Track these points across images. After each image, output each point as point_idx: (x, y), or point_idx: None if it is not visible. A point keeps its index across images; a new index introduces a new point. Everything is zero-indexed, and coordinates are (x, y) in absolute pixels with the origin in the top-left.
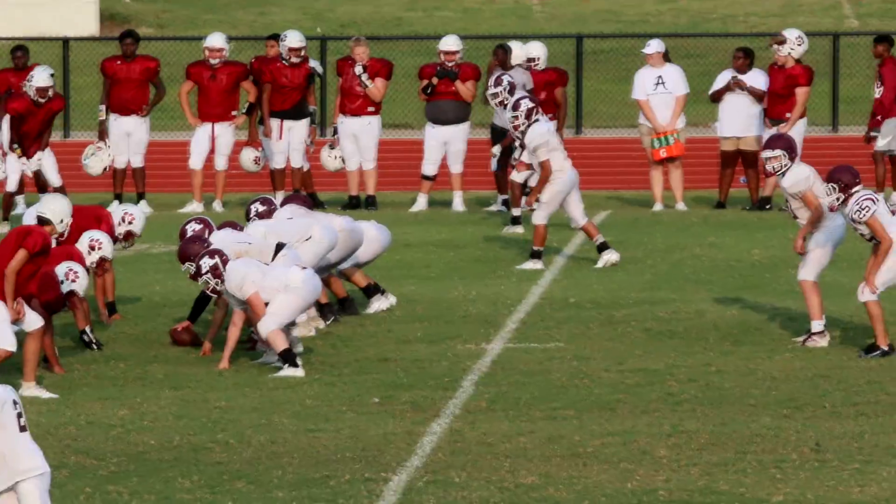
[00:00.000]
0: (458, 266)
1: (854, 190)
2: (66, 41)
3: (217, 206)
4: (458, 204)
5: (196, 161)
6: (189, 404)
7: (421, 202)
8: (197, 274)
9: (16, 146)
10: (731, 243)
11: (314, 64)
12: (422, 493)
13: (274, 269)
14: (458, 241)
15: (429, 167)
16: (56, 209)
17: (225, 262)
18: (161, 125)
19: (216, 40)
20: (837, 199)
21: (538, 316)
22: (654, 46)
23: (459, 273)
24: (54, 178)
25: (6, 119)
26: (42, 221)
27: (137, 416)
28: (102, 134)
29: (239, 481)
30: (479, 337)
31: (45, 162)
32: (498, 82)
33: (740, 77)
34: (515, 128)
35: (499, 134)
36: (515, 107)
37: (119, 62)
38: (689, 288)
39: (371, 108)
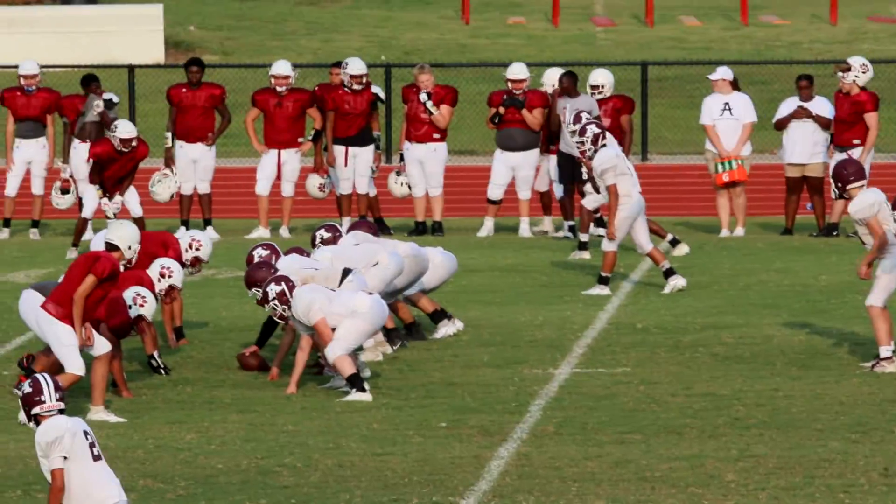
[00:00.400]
0: (524, 291)
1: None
2: (131, 68)
3: (284, 232)
4: (525, 230)
5: (263, 187)
6: (257, 428)
7: (487, 226)
8: (264, 300)
9: (97, 188)
10: (798, 268)
11: (377, 90)
12: None
13: (340, 294)
14: (524, 265)
15: (495, 191)
16: (124, 236)
17: (291, 289)
18: (227, 151)
19: (282, 68)
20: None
21: (605, 341)
22: (720, 73)
23: (526, 298)
24: (136, 209)
25: (78, 147)
26: (110, 247)
27: (205, 440)
28: (169, 161)
29: None
30: (546, 362)
31: (127, 194)
32: (577, 119)
33: (805, 105)
34: (582, 153)
35: (567, 159)
36: (582, 132)
37: (185, 89)
38: (756, 313)
39: (437, 135)
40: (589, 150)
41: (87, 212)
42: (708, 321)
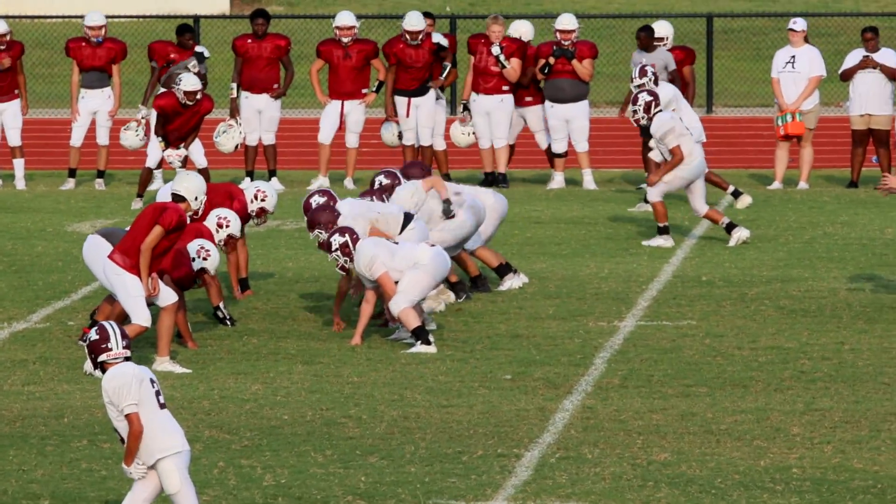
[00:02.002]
0: (589, 243)
1: None
2: (196, 19)
3: (348, 183)
4: (589, 181)
5: (325, 135)
6: (322, 379)
7: (558, 180)
8: (327, 248)
9: (160, 140)
10: (863, 221)
11: (438, 38)
12: (554, 469)
13: (402, 247)
14: (589, 218)
15: (557, 145)
16: (191, 187)
17: (355, 241)
18: (292, 102)
19: (346, 19)
20: None
21: (670, 294)
22: (801, 24)
23: (591, 250)
24: (200, 159)
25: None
26: (177, 198)
27: (270, 391)
28: (234, 111)
29: (372, 456)
30: (611, 314)
31: (192, 146)
32: (642, 73)
33: (871, 55)
34: (636, 121)
35: None
36: (634, 100)
37: (250, 41)
38: (821, 266)
39: (505, 87)
40: (642, 118)
41: (152, 161)
42: (773, 274)
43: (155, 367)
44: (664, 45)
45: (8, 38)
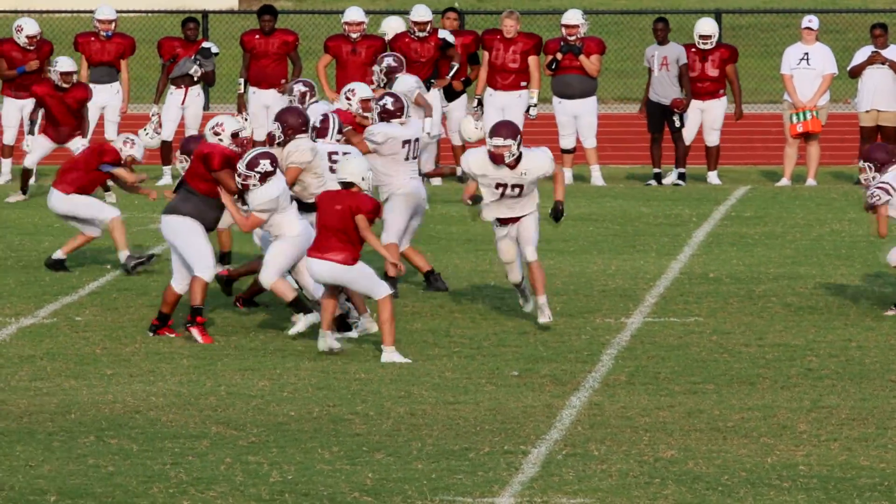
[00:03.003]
0: (597, 240)
1: (889, 169)
2: (205, 15)
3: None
4: (597, 178)
5: None
6: (329, 376)
7: (567, 176)
8: (251, 163)
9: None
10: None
11: (444, 34)
12: (561, 466)
13: (292, 210)
14: (597, 214)
15: (565, 141)
16: (355, 169)
17: (267, 176)
18: None
19: (355, 14)
20: (873, 178)
21: (677, 290)
22: (816, 22)
23: (598, 247)
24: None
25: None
26: (346, 185)
27: (277, 387)
28: (241, 107)
29: (378, 453)
30: (618, 311)
31: (73, 141)
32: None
33: (880, 52)
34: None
35: (655, 107)
36: None
37: (258, 36)
38: (829, 263)
39: (523, 84)
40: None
41: (29, 161)
42: (781, 271)
43: (384, 358)
44: (709, 42)
45: (38, 38)
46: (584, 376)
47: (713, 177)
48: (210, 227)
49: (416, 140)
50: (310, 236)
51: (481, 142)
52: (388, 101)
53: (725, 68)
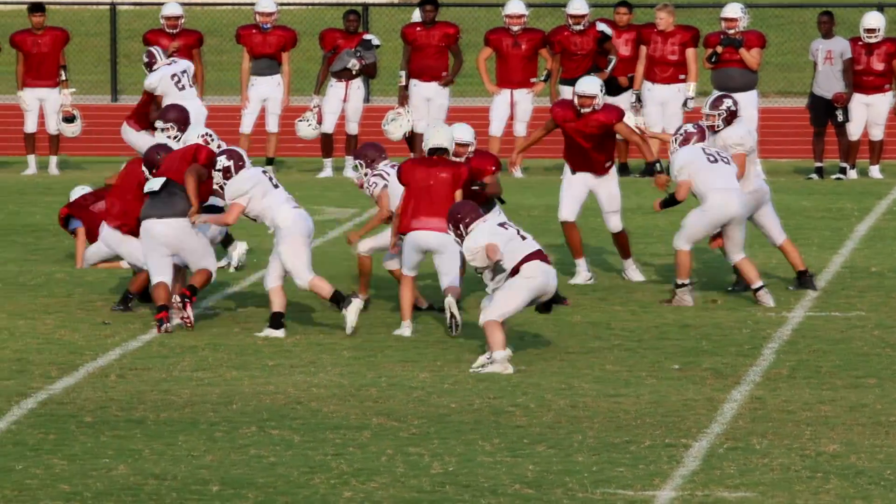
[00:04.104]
0: (758, 233)
1: None
2: (366, 7)
3: (516, 172)
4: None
5: (496, 128)
6: None
7: None
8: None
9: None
10: None
11: (602, 27)
12: (722, 460)
13: (278, 194)
14: None
15: None
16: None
17: (238, 169)
18: (460, 91)
19: (516, 7)
20: None
21: (840, 284)
22: None
23: (760, 240)
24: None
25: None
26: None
27: (438, 379)
28: (403, 100)
29: (539, 445)
30: (780, 304)
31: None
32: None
33: None
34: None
35: (818, 101)
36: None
37: (419, 28)
38: None
39: (682, 76)
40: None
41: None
42: None
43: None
44: (875, 36)
45: (181, 22)
46: (746, 370)
47: (875, 171)
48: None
49: None
50: (300, 220)
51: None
52: None
53: (892, 62)
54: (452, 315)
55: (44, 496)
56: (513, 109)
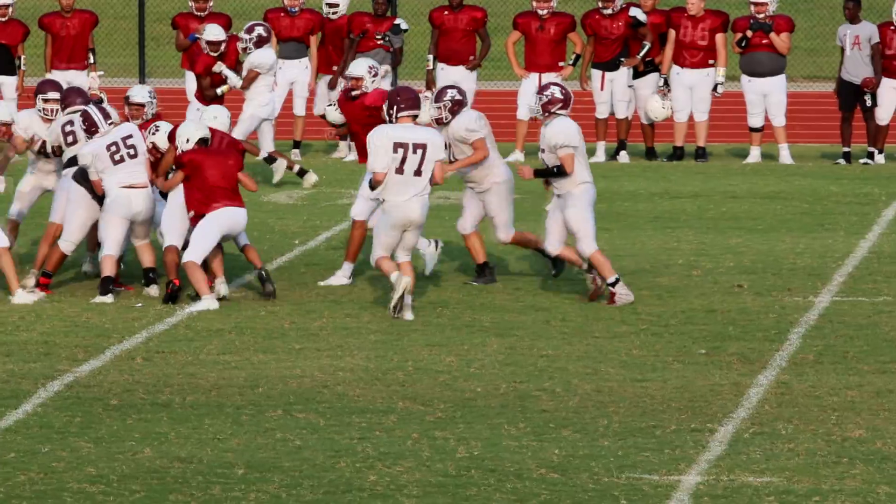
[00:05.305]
0: (785, 218)
1: None
2: None
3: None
4: (786, 156)
5: (523, 112)
6: (516, 352)
7: (755, 154)
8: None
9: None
10: None
11: (635, 12)
12: (748, 445)
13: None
14: (785, 193)
15: (754, 119)
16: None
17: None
18: (487, 75)
19: None
20: None
21: (867, 269)
22: None
23: (787, 226)
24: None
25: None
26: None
27: (465, 363)
28: (430, 83)
29: (565, 429)
30: (806, 290)
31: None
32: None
33: None
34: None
35: (846, 85)
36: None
37: (447, 12)
38: None
39: (711, 61)
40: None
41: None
42: None
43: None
44: None
45: (209, 5)
46: (772, 355)
47: None
48: None
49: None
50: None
51: (669, 121)
52: (455, 93)
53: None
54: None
55: (70, 479)
56: None
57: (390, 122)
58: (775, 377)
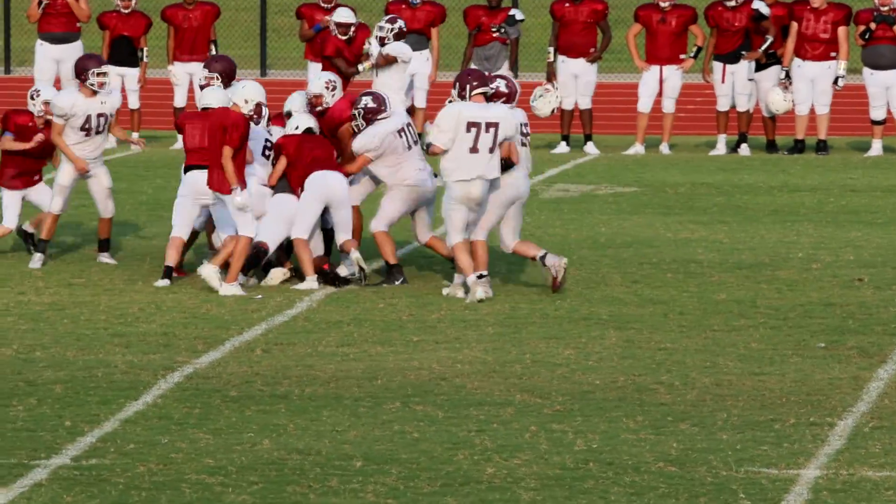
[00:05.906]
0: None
1: None
2: None
3: (664, 148)
4: None
5: (644, 104)
6: (634, 345)
7: (876, 147)
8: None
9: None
10: None
11: (758, 5)
12: (868, 439)
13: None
14: None
15: (876, 112)
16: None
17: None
18: (608, 67)
19: None
20: None
21: None
22: None
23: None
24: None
25: None
26: None
27: (582, 356)
28: (550, 76)
29: (683, 423)
30: None
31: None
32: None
33: None
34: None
35: None
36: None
37: (567, 4)
38: None
39: (833, 54)
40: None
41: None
42: None
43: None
44: None
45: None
46: (893, 349)
47: None
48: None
49: (409, 125)
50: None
51: (790, 113)
52: (368, 101)
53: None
54: (361, 268)
55: (188, 470)
56: (662, 86)
57: (462, 100)
58: (895, 371)
